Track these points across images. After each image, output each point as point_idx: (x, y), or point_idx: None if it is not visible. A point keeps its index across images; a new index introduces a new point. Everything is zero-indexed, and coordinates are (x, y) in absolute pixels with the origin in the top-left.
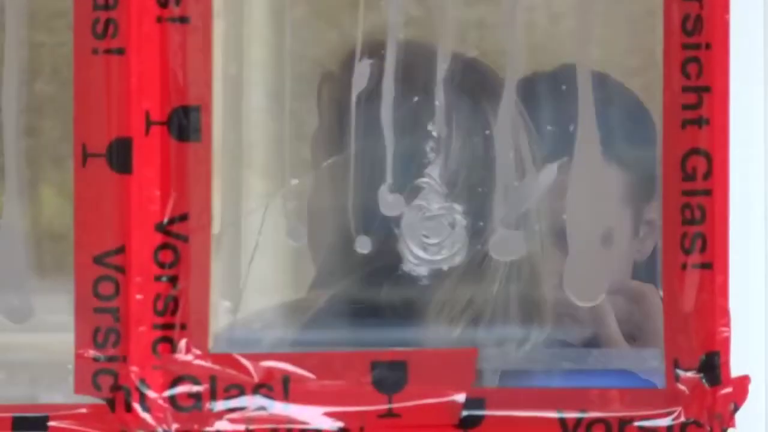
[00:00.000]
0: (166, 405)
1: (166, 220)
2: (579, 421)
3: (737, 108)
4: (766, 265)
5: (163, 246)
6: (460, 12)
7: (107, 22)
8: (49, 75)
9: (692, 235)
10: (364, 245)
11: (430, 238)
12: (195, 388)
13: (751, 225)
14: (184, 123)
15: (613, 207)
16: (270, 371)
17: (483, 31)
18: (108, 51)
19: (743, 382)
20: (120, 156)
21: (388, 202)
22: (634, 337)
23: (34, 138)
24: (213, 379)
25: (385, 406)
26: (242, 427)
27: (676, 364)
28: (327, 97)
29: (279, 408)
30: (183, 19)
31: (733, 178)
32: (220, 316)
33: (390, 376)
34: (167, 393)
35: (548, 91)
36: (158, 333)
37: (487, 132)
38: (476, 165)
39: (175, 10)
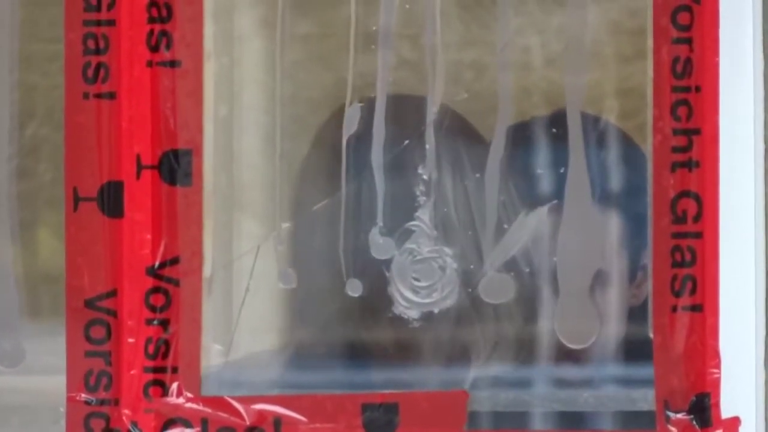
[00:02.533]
0: None
1: (157, 263)
2: None
3: (727, 150)
4: (756, 307)
5: (155, 290)
6: (453, 55)
7: (98, 66)
8: (43, 118)
9: (682, 278)
10: (355, 288)
11: (420, 281)
12: (187, 431)
13: (741, 267)
14: (175, 167)
15: (606, 250)
16: (261, 414)
17: (475, 73)
18: (99, 95)
19: (734, 423)
20: (111, 200)
21: (379, 245)
22: None
23: (28, 180)
24: (205, 422)
25: None
26: None
27: (667, 406)
28: (318, 141)
29: None
30: (174, 63)
31: (723, 220)
32: (212, 359)
33: (381, 418)
34: None
35: (540, 135)
36: (150, 376)
37: (477, 175)
38: (466, 208)
39: (165, 54)
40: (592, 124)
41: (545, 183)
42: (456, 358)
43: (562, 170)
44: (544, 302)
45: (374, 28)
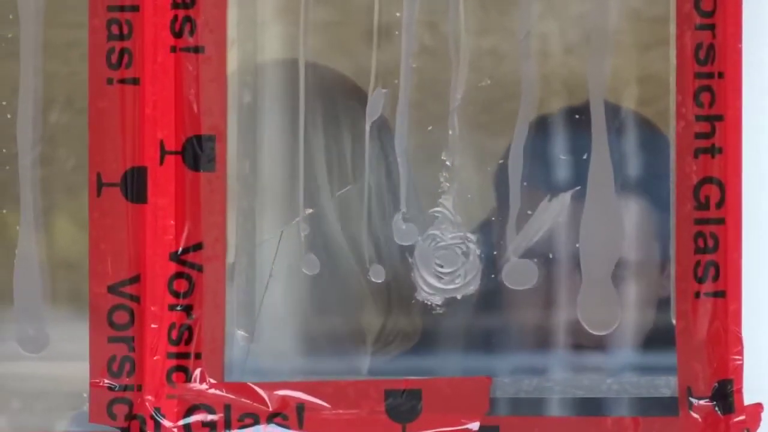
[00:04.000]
0: None
1: (180, 249)
2: None
3: (750, 137)
4: None
5: (178, 275)
6: (474, 41)
7: (122, 52)
8: (65, 104)
9: (705, 264)
10: (378, 274)
11: (443, 268)
12: (210, 417)
13: (763, 253)
14: (199, 152)
15: (631, 239)
16: (284, 400)
17: (497, 60)
18: (122, 81)
19: (756, 409)
20: (135, 185)
21: (402, 231)
22: None
23: (48, 167)
24: (227, 408)
25: None
26: None
27: (690, 392)
28: (341, 127)
29: None
30: (197, 49)
31: (746, 206)
32: (235, 345)
33: (404, 404)
34: (182, 422)
35: (563, 122)
36: (173, 362)
37: (501, 162)
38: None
39: (189, 40)
40: (614, 113)
41: (568, 169)
42: (478, 344)
43: (585, 156)
44: (567, 288)
45: (398, 14)
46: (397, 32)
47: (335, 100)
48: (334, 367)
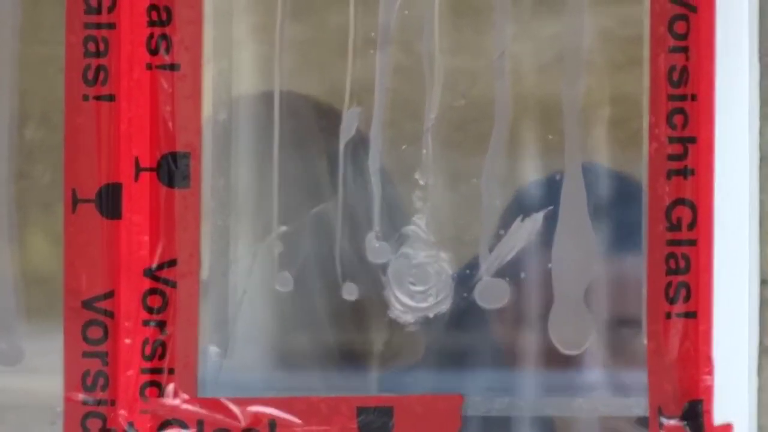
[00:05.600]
0: None
1: (154, 265)
2: None
3: (722, 158)
4: (750, 315)
5: (152, 291)
6: (449, 61)
7: (98, 68)
8: (40, 120)
9: (677, 285)
10: (351, 292)
11: (416, 286)
12: None
13: (734, 275)
14: (174, 169)
15: (603, 260)
16: (257, 416)
17: (471, 79)
18: (98, 97)
19: (726, 430)
20: (110, 202)
21: (375, 249)
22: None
23: (24, 183)
24: (200, 424)
25: None
26: None
27: (660, 412)
28: (315, 145)
29: None
30: (173, 66)
31: (718, 228)
32: (208, 361)
33: (376, 421)
34: None
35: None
36: (146, 377)
37: (474, 180)
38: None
39: (165, 58)
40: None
41: (541, 189)
42: (450, 363)
43: (558, 177)
44: (538, 308)
45: (372, 34)
46: (372, 51)
47: (309, 119)
48: (306, 383)
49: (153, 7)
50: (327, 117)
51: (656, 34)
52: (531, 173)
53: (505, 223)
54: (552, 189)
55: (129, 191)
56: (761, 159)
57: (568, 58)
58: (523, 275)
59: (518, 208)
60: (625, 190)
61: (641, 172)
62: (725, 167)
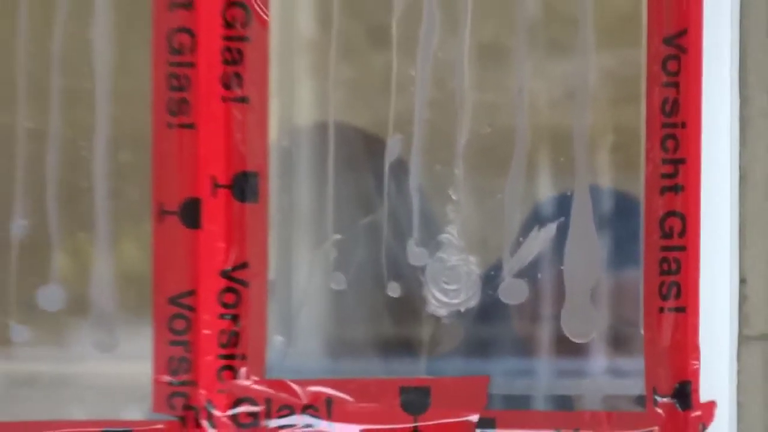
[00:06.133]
0: (229, 422)
1: (229, 267)
2: None
3: (707, 176)
4: (731, 309)
5: (227, 290)
6: (475, 95)
7: (180, 101)
8: (131, 145)
9: (669, 284)
10: (394, 290)
11: (449, 285)
12: (253, 408)
13: (718, 275)
14: (245, 186)
15: (606, 263)
16: (316, 395)
17: (495, 111)
18: (181, 125)
19: (710, 406)
20: (190, 214)
21: (415, 253)
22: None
23: (118, 199)
24: (268, 401)
25: (411, 425)
26: None
27: (655, 391)
28: (363, 166)
29: (323, 425)
30: (243, 99)
31: (704, 236)
32: (275, 348)
33: (416, 399)
34: (230, 412)
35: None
36: (222, 362)
37: (498, 196)
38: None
39: (237, 92)
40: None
41: (554, 204)
42: (477, 349)
43: (569, 193)
44: (552, 304)
45: (412, 73)
46: (411, 87)
47: (359, 145)
48: (357, 367)
49: (227, 49)
50: (373, 143)
51: (652, 72)
52: (546, 190)
53: (524, 232)
54: (563, 204)
55: (207, 205)
56: (740, 177)
57: (577, 94)
58: (539, 276)
59: (535, 219)
60: (624, 205)
61: (639, 189)
62: (710, 184)
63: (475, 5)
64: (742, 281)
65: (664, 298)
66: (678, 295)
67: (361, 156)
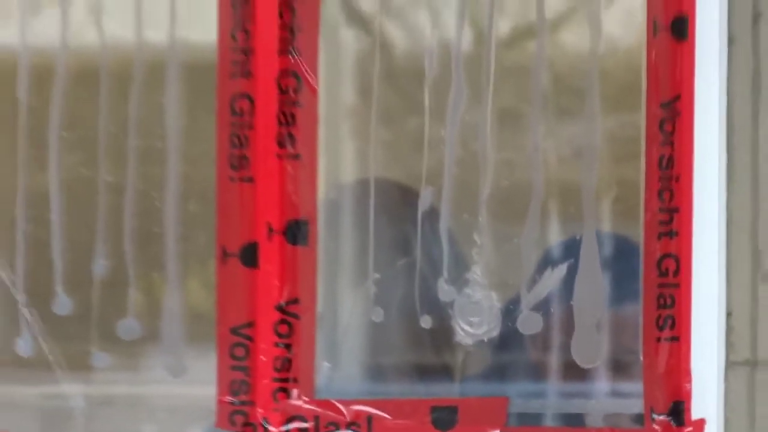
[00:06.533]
0: None
1: (283, 302)
2: None
3: (698, 223)
4: (718, 338)
5: (281, 322)
6: (496, 153)
7: (241, 157)
8: (198, 197)
9: (665, 317)
10: (426, 322)
11: (474, 318)
12: (303, 425)
13: (707, 309)
14: (297, 232)
15: (609, 300)
16: (358, 413)
17: (513, 166)
18: (241, 179)
19: (701, 423)
20: (249, 256)
21: (445, 290)
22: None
23: (186, 243)
24: (317, 419)
25: None
26: None
27: (652, 411)
28: (400, 215)
29: None
30: (296, 156)
31: (695, 275)
32: (322, 373)
33: (445, 417)
34: (283, 428)
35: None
36: (277, 384)
37: (516, 240)
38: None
39: (290, 150)
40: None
41: (565, 247)
42: (498, 374)
43: (578, 238)
44: (563, 334)
45: (441, 134)
46: (441, 146)
47: (396, 197)
48: (394, 389)
49: (281, 113)
50: (408, 195)
51: (650, 132)
52: (557, 235)
53: (539, 270)
54: (572, 247)
55: (264, 248)
56: (727, 223)
57: (585, 152)
58: (552, 309)
59: (548, 260)
60: (626, 248)
61: (638, 235)
62: (700, 230)
63: (495, 77)
64: (729, 314)
65: (660, 329)
66: (672, 327)
67: (398, 206)
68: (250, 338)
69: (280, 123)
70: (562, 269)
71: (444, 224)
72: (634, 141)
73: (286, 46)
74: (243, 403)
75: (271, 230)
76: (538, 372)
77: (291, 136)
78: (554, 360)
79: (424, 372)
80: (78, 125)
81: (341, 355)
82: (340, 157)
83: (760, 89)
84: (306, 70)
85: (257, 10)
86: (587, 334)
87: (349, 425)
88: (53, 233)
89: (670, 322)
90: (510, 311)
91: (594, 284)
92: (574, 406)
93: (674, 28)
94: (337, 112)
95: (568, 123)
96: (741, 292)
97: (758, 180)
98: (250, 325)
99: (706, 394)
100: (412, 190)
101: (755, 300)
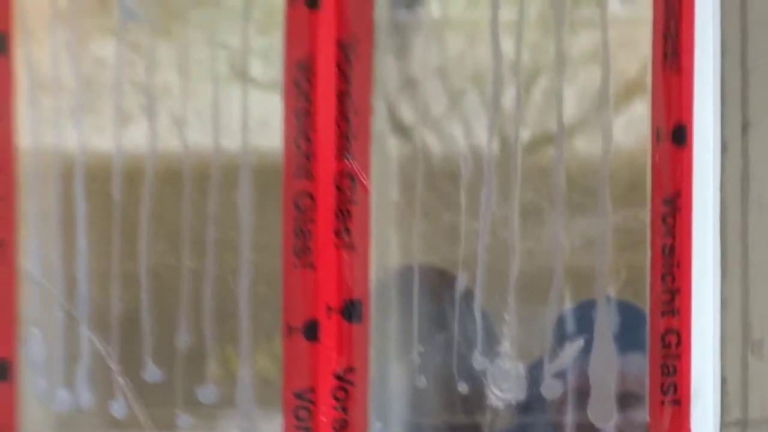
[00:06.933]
0: None
1: (340, 371)
2: None
3: (696, 304)
4: (714, 402)
5: (339, 388)
6: (521, 243)
7: (304, 247)
8: (267, 281)
9: (668, 384)
10: (463, 388)
11: (504, 384)
12: None
13: (704, 377)
14: (352, 311)
15: (622, 368)
16: None
17: (535, 255)
18: (304, 266)
19: None
20: (311, 331)
21: (479, 361)
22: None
23: (256, 321)
24: None
25: None
26: None
27: None
28: (440, 295)
29: None
30: (351, 246)
31: (694, 348)
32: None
33: None
34: None
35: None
36: None
37: (540, 318)
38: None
39: (346, 240)
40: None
41: (582, 323)
42: None
43: (593, 314)
44: (581, 397)
45: (475, 225)
46: (475, 237)
47: (436, 279)
48: None
49: (339, 209)
50: (447, 278)
51: (654, 225)
52: (571, 313)
53: (555, 334)
54: (585, 312)
55: (324, 324)
56: (722, 303)
57: (597, 243)
58: (570, 376)
59: (562, 325)
60: (634, 316)
61: (646, 312)
62: (698, 309)
63: (522, 178)
64: (723, 381)
65: (664, 393)
66: (675, 392)
67: (438, 288)
68: (311, 402)
69: (337, 218)
70: (579, 343)
71: (478, 304)
72: (640, 232)
73: (342, 151)
74: None
75: (329, 309)
76: (557, 430)
77: (347, 229)
78: (572, 419)
79: (459, 430)
80: (163, 219)
81: (390, 417)
82: (389, 246)
83: (749, 189)
84: (359, 172)
85: (318, 121)
86: (603, 398)
87: None
88: (143, 312)
89: (672, 388)
90: (535, 379)
91: (608, 355)
92: None
93: (675, 135)
94: (386, 208)
95: (582, 217)
96: (733, 362)
97: (748, 267)
98: (312, 390)
99: None
100: (450, 274)
101: (746, 368)
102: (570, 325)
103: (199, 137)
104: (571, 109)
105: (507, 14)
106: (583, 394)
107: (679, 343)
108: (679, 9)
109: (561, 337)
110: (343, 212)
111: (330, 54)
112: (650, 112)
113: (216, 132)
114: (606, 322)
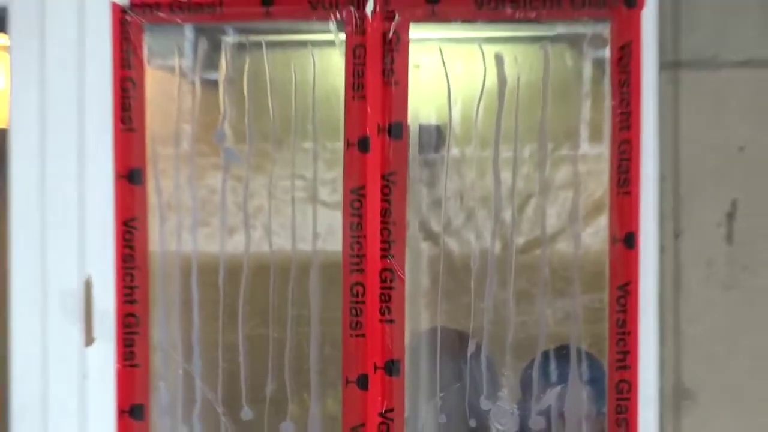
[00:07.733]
0: None
1: (383, 411)
2: None
3: (642, 362)
4: None
5: (382, 423)
6: (515, 318)
7: (357, 323)
8: (331, 344)
9: (620, 419)
10: (473, 423)
11: (503, 420)
12: None
13: (648, 418)
14: (392, 367)
15: (589, 406)
16: None
17: (527, 325)
18: (357, 335)
19: None
20: (363, 382)
21: (484, 403)
22: None
23: (321, 376)
24: None
25: None
26: None
27: None
28: (456, 352)
29: None
30: (391, 321)
31: (640, 395)
32: None
33: None
34: None
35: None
36: None
37: (529, 371)
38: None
39: (387, 317)
40: (579, 354)
41: (560, 373)
42: None
43: (563, 352)
44: (560, 429)
45: (481, 305)
46: (481, 314)
47: (454, 340)
48: None
49: (381, 294)
50: (462, 339)
51: (612, 306)
52: (554, 365)
53: (537, 370)
54: (561, 355)
55: (371, 378)
56: (659, 363)
57: (571, 318)
58: (552, 413)
59: (542, 364)
60: (599, 371)
61: (605, 369)
62: (645, 366)
63: (517, 271)
64: (661, 416)
65: (618, 425)
66: (627, 426)
67: (455, 348)
68: None
69: (381, 300)
70: (556, 391)
71: (484, 361)
72: (602, 310)
73: (385, 252)
74: None
75: (376, 367)
76: None
77: (388, 308)
78: None
79: None
80: (256, 301)
81: None
82: (419, 320)
83: (680, 279)
84: (397, 268)
85: (367, 231)
86: (576, 429)
87: None
88: (240, 368)
89: (624, 423)
90: (525, 415)
91: (579, 399)
92: None
93: (626, 240)
94: (417, 293)
95: (561, 298)
96: (669, 409)
97: (680, 336)
98: (363, 425)
99: None
100: (466, 335)
101: (678, 410)
102: (552, 367)
103: (282, 242)
104: (552, 221)
105: (506, 153)
106: (561, 426)
107: (629, 390)
108: (629, 149)
109: (540, 369)
110: (386, 297)
111: (376, 183)
112: (609, 224)
113: (294, 239)
114: (576, 376)
